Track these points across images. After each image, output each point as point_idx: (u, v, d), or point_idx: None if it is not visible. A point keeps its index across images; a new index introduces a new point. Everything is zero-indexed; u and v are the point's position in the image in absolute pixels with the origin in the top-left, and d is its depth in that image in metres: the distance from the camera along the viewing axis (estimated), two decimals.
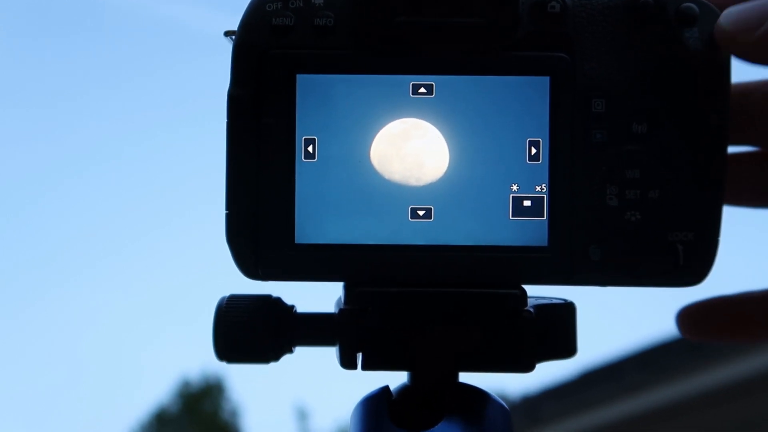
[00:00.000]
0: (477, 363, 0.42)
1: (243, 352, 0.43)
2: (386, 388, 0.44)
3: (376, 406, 0.43)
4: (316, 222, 0.42)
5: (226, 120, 0.42)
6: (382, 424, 0.42)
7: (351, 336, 0.42)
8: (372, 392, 0.44)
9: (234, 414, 12.41)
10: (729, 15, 0.41)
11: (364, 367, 0.42)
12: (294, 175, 0.42)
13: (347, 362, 0.42)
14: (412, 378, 0.45)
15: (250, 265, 0.43)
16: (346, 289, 0.43)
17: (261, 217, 0.42)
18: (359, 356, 0.42)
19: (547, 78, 0.42)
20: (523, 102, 0.42)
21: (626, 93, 0.42)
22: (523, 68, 0.42)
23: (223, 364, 0.45)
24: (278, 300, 0.44)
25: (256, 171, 0.42)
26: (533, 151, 0.42)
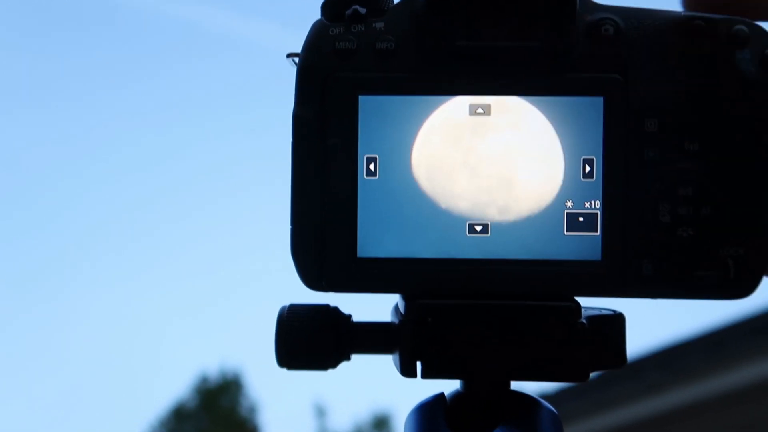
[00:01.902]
0: (532, 372, 0.44)
1: (303, 359, 0.45)
2: (441, 395, 0.46)
3: (432, 412, 0.45)
4: (377, 237, 0.44)
5: (291, 139, 0.44)
6: (439, 429, 0.44)
7: (411, 346, 0.44)
8: (427, 399, 0.46)
9: (252, 410, 12.46)
10: None
11: (424, 375, 0.44)
12: (356, 191, 0.44)
13: (407, 371, 0.44)
14: (465, 385, 0.47)
15: (313, 277, 0.45)
16: (407, 301, 0.44)
17: (324, 232, 0.44)
18: (419, 365, 0.44)
19: (601, 98, 0.43)
20: (577, 121, 0.44)
21: (678, 112, 0.43)
22: (578, 89, 0.43)
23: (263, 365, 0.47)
24: (336, 309, 0.46)
25: (319, 188, 0.44)
26: (587, 168, 0.44)
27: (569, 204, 0.44)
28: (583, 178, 0.44)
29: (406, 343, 0.44)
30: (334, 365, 0.46)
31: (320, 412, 12.30)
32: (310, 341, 0.45)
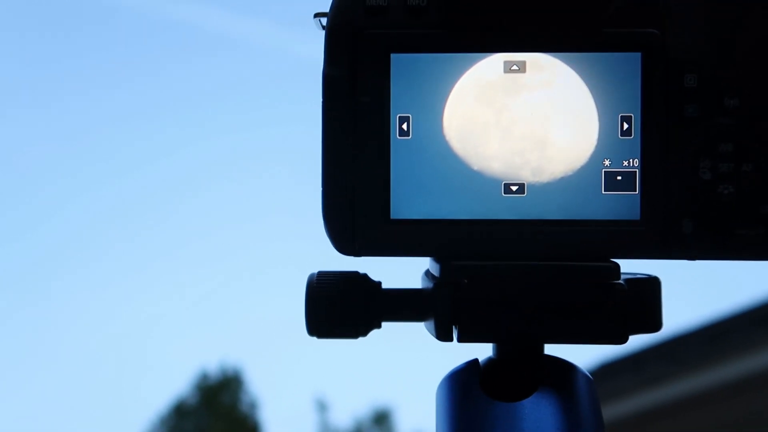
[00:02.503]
0: (571, 335, 0.43)
1: (333, 327, 0.44)
2: (475, 361, 0.45)
3: (466, 377, 0.44)
4: (410, 198, 0.43)
5: (321, 99, 0.43)
6: (473, 394, 0.43)
7: (447, 309, 0.43)
8: (460, 366, 0.45)
9: (252, 406, 12.46)
10: None
11: (460, 339, 0.43)
12: (389, 152, 0.43)
13: (443, 334, 0.43)
14: (499, 351, 0.46)
15: (345, 241, 0.44)
16: (441, 263, 0.43)
17: (357, 193, 0.43)
18: (454, 329, 0.43)
19: (639, 54, 0.42)
20: (615, 78, 0.43)
21: (718, 67, 0.43)
22: (615, 45, 0.43)
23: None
24: (366, 276, 0.45)
25: (351, 148, 0.43)
26: (625, 126, 0.43)
27: (607, 163, 0.43)
28: (621, 136, 0.43)
29: (442, 306, 0.43)
30: (364, 333, 0.45)
31: (321, 408, 12.31)
32: (340, 308, 0.44)
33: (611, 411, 3.83)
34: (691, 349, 3.56)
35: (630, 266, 0.46)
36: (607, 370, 3.88)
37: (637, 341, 3.78)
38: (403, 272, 0.48)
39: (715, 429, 3.49)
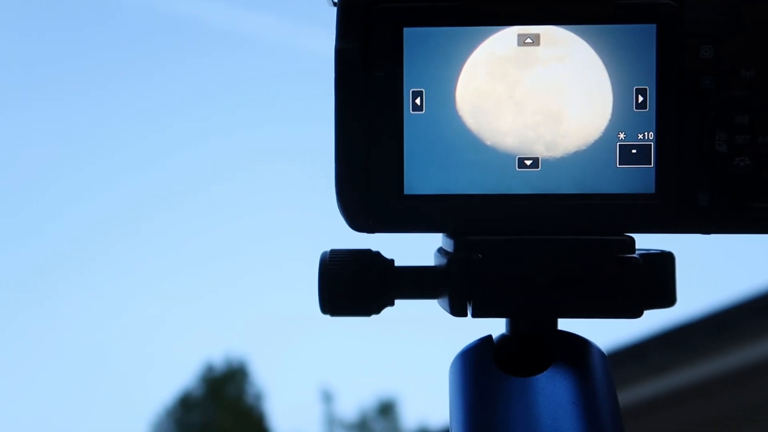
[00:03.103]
0: (586, 309, 0.43)
1: (346, 305, 0.44)
2: (489, 338, 0.45)
3: (480, 353, 0.44)
4: (424, 173, 0.43)
5: (334, 74, 0.43)
6: (488, 370, 0.43)
7: (462, 284, 0.43)
8: (473, 342, 0.45)
9: (258, 398, 12.48)
10: None
11: (474, 315, 0.43)
12: (402, 127, 0.43)
13: (458, 310, 0.43)
14: (513, 326, 0.46)
15: (359, 218, 0.44)
16: (455, 238, 0.43)
17: (370, 169, 0.43)
18: (469, 305, 0.43)
19: (654, 25, 0.42)
20: (629, 50, 0.42)
21: (734, 38, 0.42)
22: (630, 16, 0.42)
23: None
24: (378, 254, 0.45)
25: (364, 124, 0.43)
26: (640, 99, 0.42)
27: (621, 136, 0.43)
28: (636, 108, 0.43)
29: (456, 281, 0.43)
30: (377, 311, 0.45)
31: (326, 399, 12.33)
32: (353, 286, 0.44)
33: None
34: (695, 338, 3.55)
35: (642, 242, 0.46)
36: (611, 359, 3.88)
37: (642, 330, 3.78)
38: (416, 251, 0.48)
39: (720, 418, 3.49)
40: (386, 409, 12.71)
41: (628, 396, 3.76)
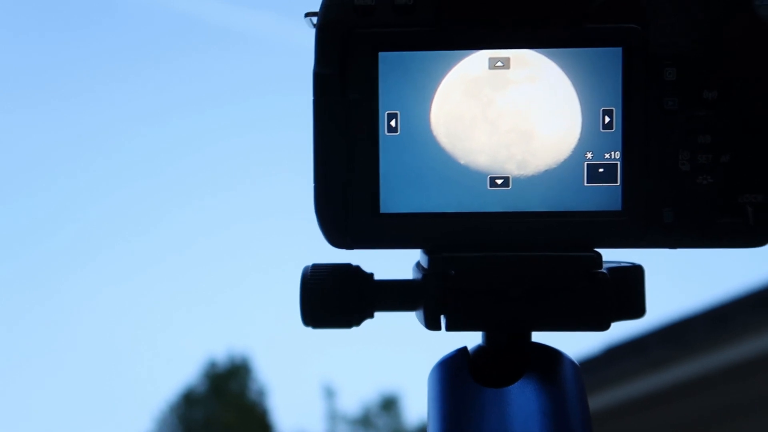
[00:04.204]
0: (555, 322, 0.44)
1: (327, 317, 0.46)
2: (464, 349, 0.47)
3: (456, 365, 0.46)
4: (399, 192, 0.45)
5: (312, 97, 0.45)
6: (463, 381, 0.45)
7: (435, 299, 0.44)
8: (449, 353, 0.47)
9: (261, 394, 12.50)
10: None
11: (448, 328, 0.45)
12: (378, 148, 0.44)
13: (432, 324, 0.45)
14: (488, 338, 0.47)
15: (337, 235, 0.45)
16: (429, 255, 0.45)
17: (347, 189, 0.45)
18: (443, 318, 0.45)
19: (620, 49, 0.44)
20: (597, 72, 0.44)
21: (697, 61, 0.44)
22: (597, 40, 0.44)
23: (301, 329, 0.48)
24: (358, 268, 0.47)
25: (341, 145, 0.44)
26: (607, 119, 0.44)
27: (589, 155, 0.44)
28: (603, 129, 0.44)
29: (430, 296, 0.44)
30: (357, 323, 0.47)
31: (329, 394, 12.35)
32: (333, 299, 0.46)
33: (616, 394, 3.85)
34: (694, 333, 3.56)
35: (621, 255, 0.47)
36: (610, 355, 3.89)
37: (641, 326, 3.79)
38: (400, 264, 0.50)
39: (717, 412, 3.50)
40: (389, 405, 12.73)
41: (627, 391, 3.78)
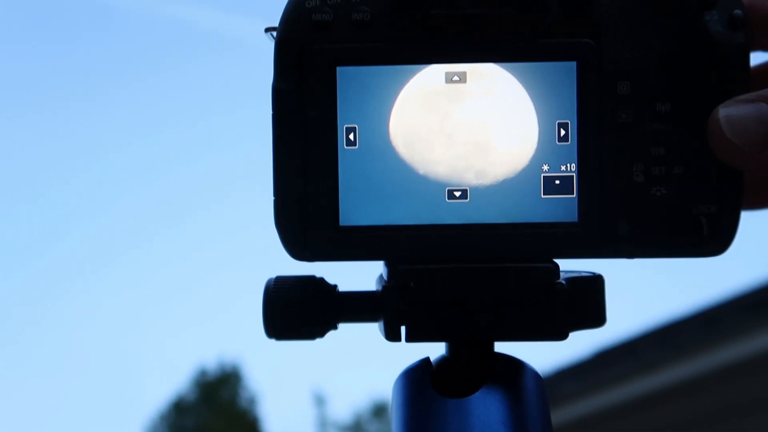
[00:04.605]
0: (514, 333, 0.45)
1: (291, 329, 0.46)
2: (427, 360, 0.47)
3: (418, 376, 0.46)
4: (358, 205, 0.45)
5: (271, 113, 0.45)
6: (425, 392, 0.45)
7: (395, 310, 0.45)
8: (413, 364, 0.47)
9: (252, 401, 12.48)
10: (733, 125, 0.42)
11: (408, 339, 0.45)
12: (337, 161, 0.45)
13: (392, 335, 0.45)
14: (450, 349, 0.47)
15: (297, 248, 0.46)
16: (389, 267, 0.45)
17: (307, 202, 0.45)
18: (403, 329, 0.45)
19: (574, 63, 0.44)
20: (552, 86, 0.44)
21: (650, 75, 0.44)
22: (552, 54, 0.44)
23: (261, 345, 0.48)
24: (322, 280, 0.47)
25: (300, 159, 0.45)
26: (562, 132, 0.44)
27: (545, 167, 0.45)
28: (559, 141, 0.44)
29: (390, 308, 0.45)
30: (321, 334, 0.47)
31: (320, 401, 12.33)
32: (297, 311, 0.46)
33: (608, 397, 3.85)
34: (685, 335, 3.58)
35: (586, 265, 0.48)
36: (601, 359, 3.90)
37: (632, 328, 3.79)
38: (368, 274, 0.50)
39: (708, 414, 3.51)
40: (380, 411, 12.72)
41: (619, 394, 3.79)
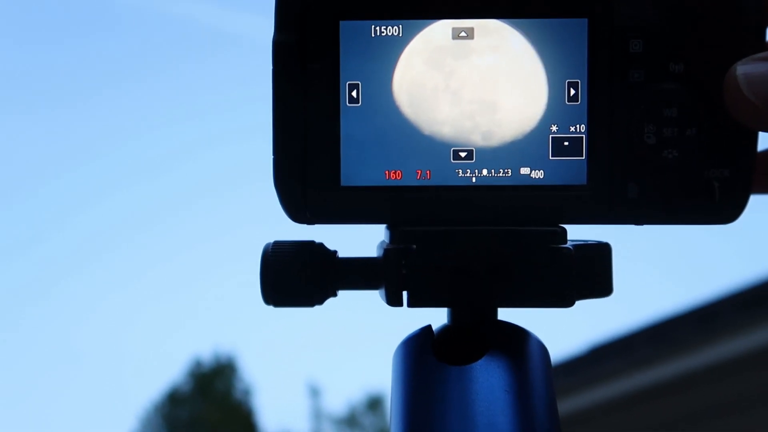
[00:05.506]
0: (518, 298, 0.43)
1: (289, 295, 0.45)
2: (428, 327, 0.46)
3: (419, 343, 0.45)
4: (360, 165, 0.44)
5: (272, 66, 0.44)
6: (426, 359, 0.44)
7: (397, 274, 0.43)
8: (414, 332, 0.46)
9: (246, 393, 12.48)
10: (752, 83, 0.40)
11: (410, 305, 0.43)
12: (339, 119, 0.43)
13: (393, 300, 0.43)
14: (452, 316, 0.46)
15: (297, 209, 0.44)
16: (391, 229, 0.44)
17: (307, 161, 0.43)
18: (405, 294, 0.43)
19: (585, 20, 0.43)
20: (562, 44, 0.43)
21: (663, 33, 0.43)
22: (562, 10, 0.43)
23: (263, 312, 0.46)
24: (321, 245, 0.45)
25: (301, 116, 0.43)
26: (572, 92, 0.43)
27: (554, 128, 0.43)
28: (568, 101, 0.43)
29: (391, 271, 0.43)
30: (320, 301, 0.45)
31: (314, 394, 12.33)
32: (295, 277, 0.44)
33: (602, 392, 3.85)
34: (680, 331, 3.57)
35: (592, 234, 0.46)
36: (596, 355, 3.90)
37: (626, 324, 3.79)
38: (369, 240, 0.49)
39: (703, 410, 3.51)
40: (375, 404, 12.72)
41: (613, 389, 3.78)
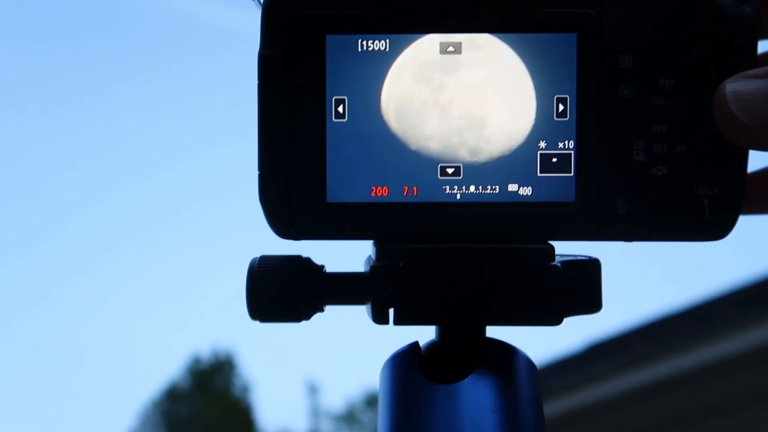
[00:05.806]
0: (506, 316, 0.43)
1: (275, 311, 0.44)
2: (415, 344, 0.45)
3: (406, 360, 0.44)
4: (346, 181, 0.43)
5: (257, 81, 0.43)
6: (412, 377, 0.43)
7: (383, 292, 0.43)
8: (401, 348, 0.45)
9: (245, 390, 12.48)
10: (743, 102, 0.40)
11: (396, 322, 0.43)
12: (325, 134, 0.43)
13: (379, 318, 0.43)
14: (440, 333, 0.46)
15: (283, 225, 0.44)
16: (377, 246, 0.43)
17: (293, 177, 0.43)
18: (391, 312, 0.43)
19: (575, 35, 0.42)
20: (551, 59, 0.42)
21: (653, 48, 0.42)
22: (551, 25, 0.42)
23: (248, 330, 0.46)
24: (308, 260, 0.45)
25: (287, 131, 0.43)
26: (561, 108, 0.42)
27: (542, 144, 0.43)
28: (557, 117, 0.43)
29: (378, 289, 0.43)
30: (307, 317, 0.45)
31: (313, 391, 12.34)
32: (281, 292, 0.44)
33: (598, 391, 3.85)
34: (676, 330, 3.58)
35: (581, 250, 0.46)
36: (592, 353, 3.90)
37: (623, 323, 3.79)
38: (357, 255, 0.48)
39: (699, 409, 3.52)
40: (373, 402, 12.72)
41: (609, 388, 3.78)
